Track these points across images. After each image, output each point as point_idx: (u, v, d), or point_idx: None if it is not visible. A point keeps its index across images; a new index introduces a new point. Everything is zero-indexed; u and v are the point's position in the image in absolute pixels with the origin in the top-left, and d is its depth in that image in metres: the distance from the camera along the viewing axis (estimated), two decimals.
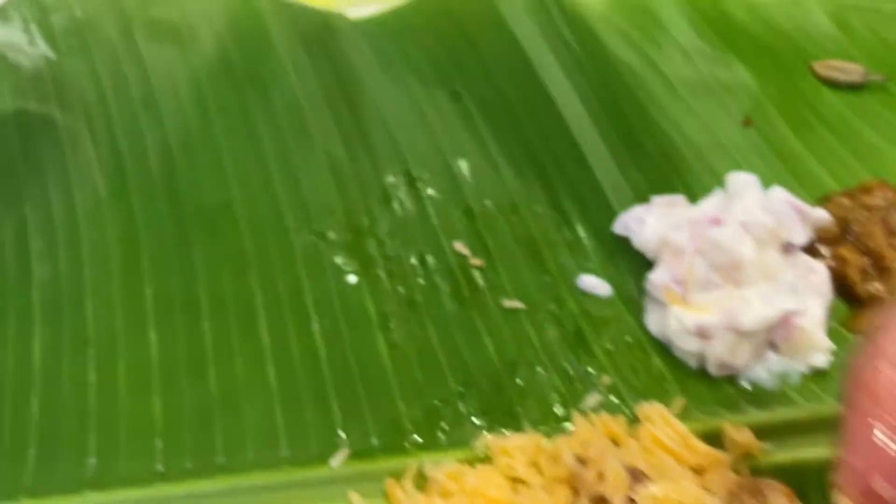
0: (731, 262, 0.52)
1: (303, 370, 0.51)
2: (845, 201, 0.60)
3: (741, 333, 0.50)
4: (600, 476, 0.40)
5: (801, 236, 0.55)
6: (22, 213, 0.57)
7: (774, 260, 0.54)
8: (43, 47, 0.65)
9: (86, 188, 0.59)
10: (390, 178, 0.63)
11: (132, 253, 0.56)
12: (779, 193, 0.57)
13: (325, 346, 0.52)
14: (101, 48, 0.66)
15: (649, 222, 0.58)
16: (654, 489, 0.39)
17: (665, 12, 0.78)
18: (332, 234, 0.58)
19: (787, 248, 0.55)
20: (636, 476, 0.40)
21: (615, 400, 0.50)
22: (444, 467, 0.44)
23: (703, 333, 0.51)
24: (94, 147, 0.61)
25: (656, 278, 0.54)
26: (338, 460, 0.46)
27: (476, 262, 0.58)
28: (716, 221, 0.54)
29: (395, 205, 0.61)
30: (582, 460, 0.43)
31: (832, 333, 0.54)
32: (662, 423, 0.46)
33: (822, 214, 0.57)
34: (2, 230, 0.56)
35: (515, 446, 0.45)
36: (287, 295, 0.55)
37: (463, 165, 0.64)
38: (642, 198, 0.60)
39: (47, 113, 0.62)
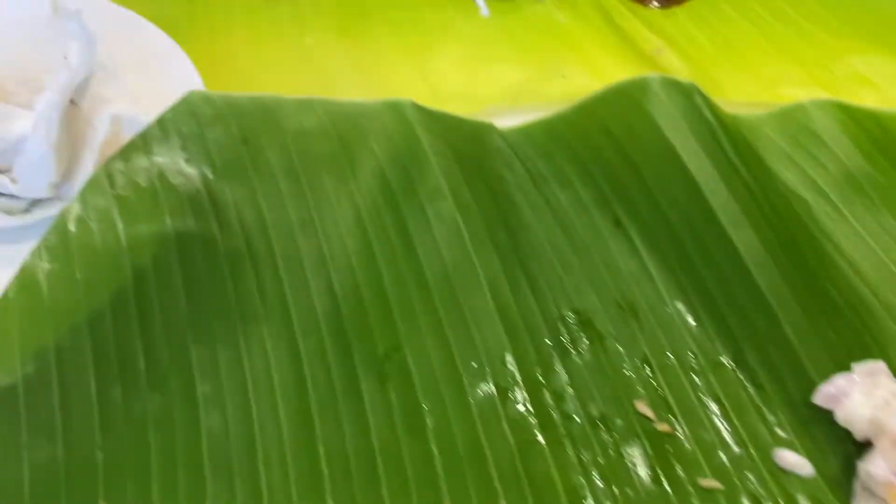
0: None
1: None
2: None
3: None
4: None
5: None
6: (187, 350, 0.55)
7: None
8: (201, 166, 0.63)
9: (249, 322, 0.57)
10: (558, 321, 0.60)
11: (301, 402, 0.53)
12: None
13: None
14: (259, 168, 0.64)
15: (854, 397, 0.53)
16: None
17: (823, 129, 0.75)
18: (507, 387, 0.55)
19: None
20: None
21: None
22: None
23: None
24: (255, 275, 0.59)
25: (875, 471, 0.50)
26: None
27: (663, 427, 0.54)
28: None
29: (567, 352, 0.58)
30: None
31: None
32: None
33: None
34: (169, 369, 0.54)
35: None
36: (469, 460, 0.52)
37: (633, 307, 0.61)
38: (838, 361, 0.56)
39: (208, 234, 0.60)
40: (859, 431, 0.52)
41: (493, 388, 0.55)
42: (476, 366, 0.56)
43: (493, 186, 0.67)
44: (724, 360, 0.58)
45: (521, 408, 0.54)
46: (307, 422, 0.53)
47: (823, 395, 0.55)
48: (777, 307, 0.60)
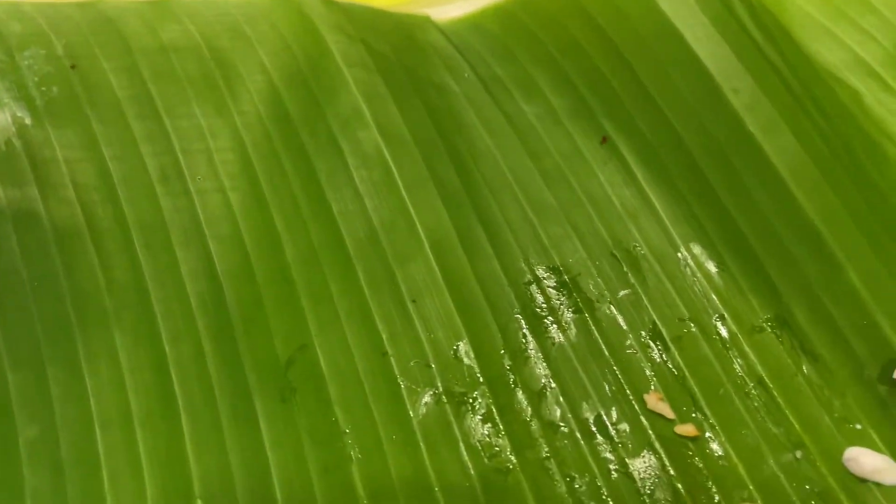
0: None
1: None
2: None
3: None
4: None
5: None
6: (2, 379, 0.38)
7: None
8: (13, 107, 0.44)
9: (92, 326, 0.40)
10: (530, 286, 0.43)
11: (171, 440, 0.37)
12: None
13: None
14: (98, 104, 0.45)
15: None
16: None
17: None
18: (463, 391, 0.39)
19: None
20: None
21: None
22: None
23: None
24: (98, 257, 0.41)
25: None
26: None
27: (686, 429, 0.39)
28: None
29: (545, 330, 0.41)
30: None
31: None
32: None
33: None
34: None
35: None
36: (407, 498, 0.36)
37: (633, 257, 0.44)
38: None
39: (25, 205, 0.42)
40: None
41: (442, 397, 0.38)
42: (417, 365, 0.39)
43: (433, 103, 0.49)
44: (765, 322, 0.42)
45: (483, 422, 0.38)
46: (179, 468, 0.36)
47: None
48: (833, 241, 0.43)
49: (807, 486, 0.37)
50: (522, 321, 0.41)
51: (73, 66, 0.46)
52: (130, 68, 0.46)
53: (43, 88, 0.45)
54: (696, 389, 0.40)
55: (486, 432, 0.38)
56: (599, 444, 0.38)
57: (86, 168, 0.43)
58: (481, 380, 0.39)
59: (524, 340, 0.41)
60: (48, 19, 0.47)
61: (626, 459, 0.37)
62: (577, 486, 0.37)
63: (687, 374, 0.40)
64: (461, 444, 0.37)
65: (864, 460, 0.37)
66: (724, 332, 0.41)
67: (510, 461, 0.37)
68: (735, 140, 0.46)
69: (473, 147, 0.48)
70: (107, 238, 0.42)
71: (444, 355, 0.40)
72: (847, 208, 0.44)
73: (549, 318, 0.42)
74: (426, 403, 0.38)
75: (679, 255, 0.44)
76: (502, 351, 0.40)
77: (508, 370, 0.40)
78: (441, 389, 0.39)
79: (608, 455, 0.37)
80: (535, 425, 0.38)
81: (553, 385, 0.40)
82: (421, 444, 0.37)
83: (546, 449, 0.37)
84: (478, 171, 0.47)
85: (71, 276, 0.40)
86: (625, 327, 0.42)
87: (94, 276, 0.40)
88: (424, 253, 0.42)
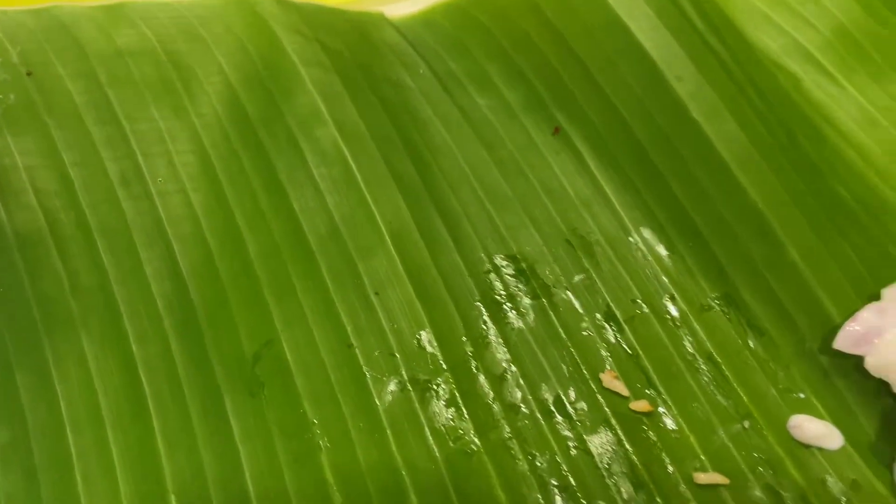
0: None
1: None
2: None
3: None
4: None
5: None
6: None
7: None
8: None
9: (58, 331, 0.40)
10: (489, 274, 0.44)
11: (143, 438, 0.38)
12: None
13: None
14: (55, 110, 0.45)
15: (890, 335, 0.40)
16: None
17: None
18: (427, 379, 0.40)
19: None
20: None
21: None
22: None
23: None
24: (62, 262, 0.42)
25: None
26: None
27: (640, 405, 0.40)
28: None
29: (504, 316, 0.43)
30: None
31: None
32: None
33: None
34: None
35: None
36: (382, 491, 0.37)
37: (586, 243, 0.46)
38: (861, 285, 0.43)
39: None
40: (880, 373, 0.39)
41: (407, 385, 0.40)
42: (382, 355, 0.41)
43: (389, 99, 0.50)
44: (713, 301, 0.44)
45: (447, 406, 0.40)
46: (152, 466, 0.37)
47: (847, 336, 0.41)
48: (775, 222, 0.45)
49: (755, 454, 0.39)
50: (483, 308, 0.43)
51: (29, 73, 0.46)
52: (87, 74, 0.47)
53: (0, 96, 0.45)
54: (649, 367, 0.41)
55: (450, 416, 0.39)
56: (558, 423, 0.39)
57: (46, 174, 0.44)
58: (444, 366, 0.40)
59: (485, 327, 0.42)
60: (1, 27, 0.47)
61: (584, 436, 0.39)
62: (538, 463, 0.38)
63: (640, 352, 0.42)
64: (426, 429, 0.39)
65: (808, 427, 0.40)
66: (674, 312, 0.43)
67: (474, 443, 0.38)
68: (680, 127, 0.48)
69: (430, 141, 0.49)
70: (70, 243, 0.42)
71: (408, 344, 0.41)
72: (788, 190, 0.46)
73: (508, 304, 0.43)
74: (391, 392, 0.39)
75: (630, 239, 0.46)
76: (464, 338, 0.42)
77: (470, 356, 0.41)
78: (406, 378, 0.40)
79: (567, 433, 0.39)
80: (496, 408, 0.40)
81: (513, 369, 0.41)
82: (387, 430, 0.38)
83: (508, 430, 0.39)
84: (435, 165, 0.48)
85: (35, 282, 0.41)
86: (580, 310, 0.43)
87: (58, 281, 0.41)
88: (385, 245, 0.44)
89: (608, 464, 0.38)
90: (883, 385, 0.39)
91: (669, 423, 0.40)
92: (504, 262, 0.45)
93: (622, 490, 0.38)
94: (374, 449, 0.38)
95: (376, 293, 0.42)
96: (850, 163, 0.48)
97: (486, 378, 0.40)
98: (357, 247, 0.43)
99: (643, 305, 0.44)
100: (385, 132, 0.48)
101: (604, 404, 0.40)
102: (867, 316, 0.41)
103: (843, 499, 0.38)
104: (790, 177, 0.46)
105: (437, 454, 0.38)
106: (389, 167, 0.47)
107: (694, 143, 0.47)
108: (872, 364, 0.40)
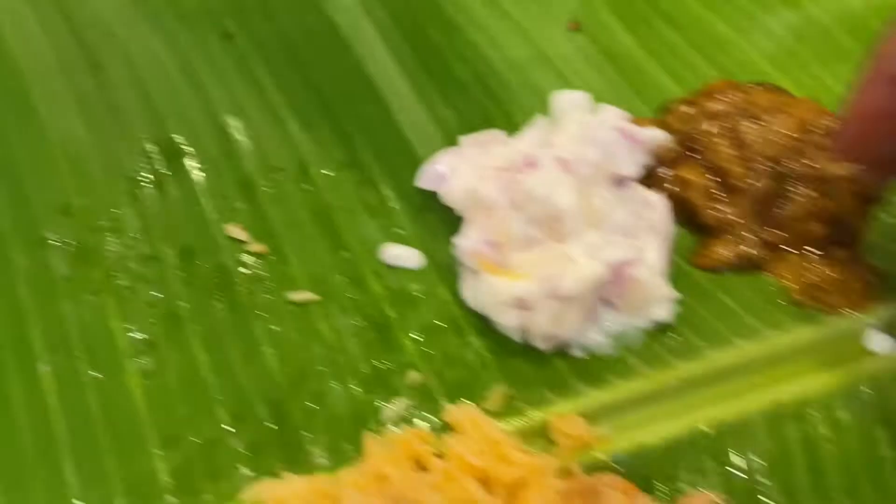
0: (550, 213, 0.43)
1: (28, 429, 0.40)
2: (688, 110, 0.50)
3: (564, 300, 0.41)
4: None
5: (633, 167, 0.46)
6: None
7: (603, 200, 0.45)
8: None
9: None
10: (143, 155, 0.50)
11: None
12: (608, 115, 0.48)
13: (58, 392, 0.41)
14: None
15: (458, 171, 0.47)
16: None
17: None
18: (64, 242, 0.46)
19: (620, 181, 0.46)
20: None
21: (426, 402, 0.41)
22: None
23: (521, 305, 0.42)
24: None
25: (465, 243, 0.44)
26: None
27: (256, 247, 0.47)
28: (530, 164, 0.45)
29: (150, 189, 0.49)
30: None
31: (679, 273, 0.46)
32: (472, 429, 0.38)
33: (656, 135, 0.47)
34: None
35: (292, 493, 0.36)
36: (4, 329, 0.43)
37: (238, 125, 0.52)
38: (454, 139, 0.50)
39: None
40: (461, 209, 0.46)
41: (43, 247, 0.46)
42: (25, 222, 0.46)
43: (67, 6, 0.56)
44: (336, 165, 0.50)
45: (81, 262, 0.45)
46: None
47: (428, 175, 0.48)
48: (388, 92, 0.52)
49: (346, 276, 0.46)
50: (129, 182, 0.49)
51: None
52: None
53: None
54: (271, 218, 0.48)
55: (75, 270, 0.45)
56: (180, 270, 0.46)
57: None
58: (87, 229, 0.46)
59: (130, 197, 0.48)
60: None
61: (201, 275, 0.45)
62: (155, 301, 0.44)
63: (269, 208, 0.48)
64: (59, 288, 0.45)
65: (394, 252, 0.47)
66: (299, 175, 0.50)
67: (101, 290, 0.45)
68: (321, 27, 0.56)
69: (110, 37, 0.55)
70: None
71: (50, 214, 0.47)
72: (403, 69, 0.54)
73: (151, 181, 0.49)
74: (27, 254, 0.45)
75: (273, 117, 0.52)
76: (109, 208, 0.48)
77: (113, 224, 0.47)
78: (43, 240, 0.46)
79: (186, 272, 0.45)
80: (128, 261, 0.46)
81: (154, 228, 0.47)
82: (23, 292, 0.44)
83: (134, 279, 0.45)
84: (113, 66, 0.54)
85: None
86: (214, 178, 0.49)
87: None
88: (51, 134, 0.50)
89: (218, 292, 0.45)
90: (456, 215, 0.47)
91: (280, 259, 0.46)
92: (153, 146, 0.51)
93: (225, 311, 0.44)
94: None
95: (31, 173, 0.48)
96: (476, 45, 0.56)
97: (120, 240, 0.47)
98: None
99: (280, 171, 0.50)
100: (64, 43, 0.54)
101: (223, 248, 0.47)
102: (444, 158, 0.48)
103: (420, 298, 0.45)
104: (409, 58, 0.54)
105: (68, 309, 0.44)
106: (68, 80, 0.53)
107: (330, 36, 0.55)
108: (445, 196, 0.47)
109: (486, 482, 0.36)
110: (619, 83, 0.54)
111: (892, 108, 0.40)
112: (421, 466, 0.37)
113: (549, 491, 0.35)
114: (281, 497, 0.36)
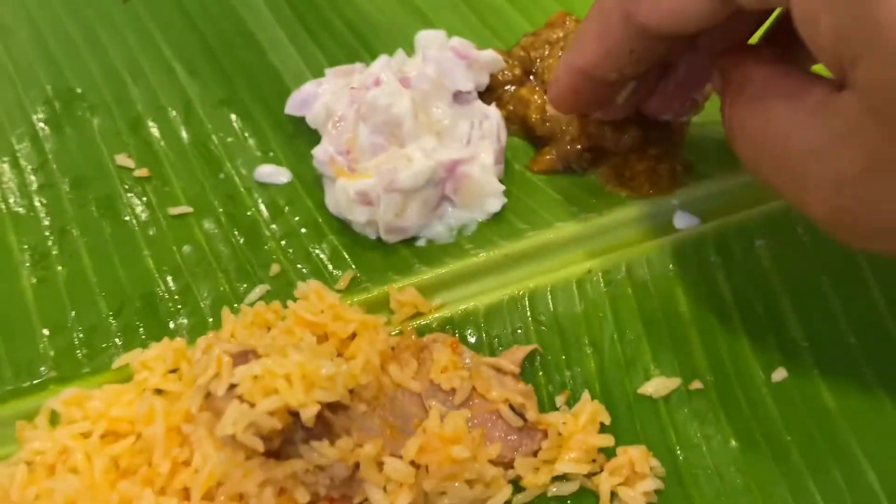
0: (391, 121, 0.49)
1: None
2: (530, 39, 0.57)
3: (403, 192, 0.47)
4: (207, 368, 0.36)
5: (467, 82, 0.52)
6: None
7: (442, 111, 0.51)
8: None
9: None
10: (44, 103, 0.56)
11: None
12: (450, 42, 0.54)
13: None
14: None
15: (319, 95, 0.53)
16: (254, 367, 0.35)
17: None
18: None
19: (461, 97, 0.52)
20: (246, 359, 0.36)
21: (283, 287, 0.47)
22: (62, 395, 0.40)
23: (366, 200, 0.47)
24: None
25: (320, 153, 0.50)
26: None
27: (141, 172, 0.52)
28: (376, 83, 0.51)
29: (49, 131, 0.54)
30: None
31: (515, 175, 0.52)
32: (315, 297, 0.43)
33: (490, 56, 0.54)
34: None
35: (155, 357, 0.41)
36: None
37: (130, 72, 0.58)
38: (322, 76, 0.56)
39: None
40: (321, 128, 0.52)
41: None
42: None
43: None
44: (217, 101, 0.56)
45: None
46: None
47: (294, 101, 0.54)
48: (263, 38, 0.59)
49: (223, 191, 0.51)
50: (33, 127, 0.54)
51: None
52: None
53: None
54: (158, 148, 0.54)
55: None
56: (73, 195, 0.51)
57: None
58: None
59: (30, 138, 0.54)
60: None
61: (90, 198, 0.51)
62: (49, 220, 0.50)
63: (157, 139, 0.54)
64: None
65: (265, 171, 0.52)
66: (183, 114, 0.56)
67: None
68: None
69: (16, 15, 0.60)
70: None
71: None
72: (276, 15, 0.60)
73: (54, 122, 0.55)
74: None
75: (168, 69, 0.58)
76: (8, 148, 0.53)
77: (12, 160, 0.53)
78: None
79: (78, 196, 0.51)
80: (27, 189, 0.51)
81: (52, 165, 0.53)
82: None
83: (32, 203, 0.50)
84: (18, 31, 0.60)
85: None
86: (116, 118, 0.55)
87: None
88: None
89: (105, 211, 0.50)
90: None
91: (162, 182, 0.52)
92: (56, 95, 0.56)
93: (110, 226, 0.50)
94: None
95: None
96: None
97: (18, 173, 0.52)
98: None
99: (170, 111, 0.56)
100: None
101: (113, 175, 0.52)
102: (308, 88, 0.54)
103: (287, 209, 0.51)
104: (281, 5, 0.60)
105: None
106: None
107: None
108: (310, 120, 0.53)
109: (323, 338, 0.42)
110: (476, 24, 0.61)
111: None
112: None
113: (378, 341, 0.41)
114: (145, 360, 0.41)
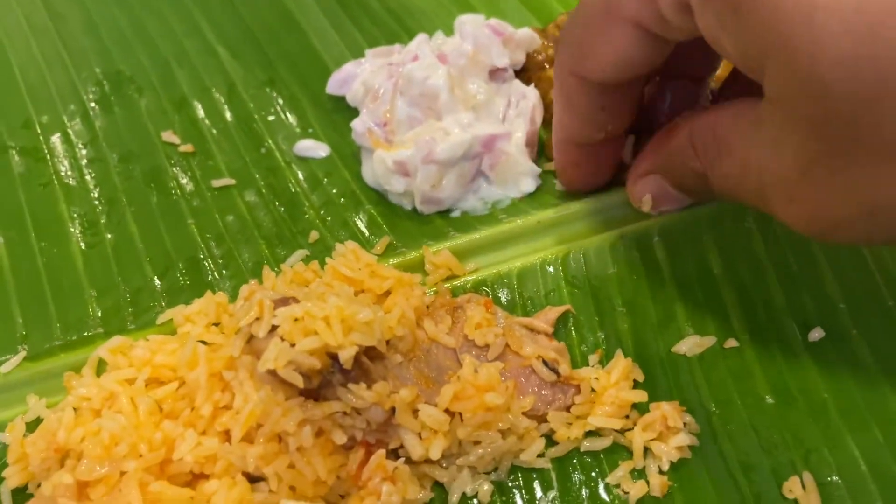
0: (427, 94, 0.50)
1: None
2: (565, 18, 0.58)
3: (439, 163, 0.48)
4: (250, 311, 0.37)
5: (503, 59, 0.53)
6: None
7: (479, 88, 0.52)
8: None
9: None
10: (95, 83, 0.58)
11: None
12: (488, 22, 0.55)
13: (10, 258, 0.48)
14: None
15: (359, 74, 0.55)
16: (295, 309, 0.36)
17: None
18: (22, 148, 0.54)
19: (498, 75, 0.54)
20: (286, 304, 0.37)
21: (322, 252, 0.48)
22: (109, 343, 0.41)
23: (403, 170, 0.49)
24: None
25: (358, 125, 0.51)
26: (10, 365, 0.43)
27: (186, 147, 0.54)
28: (414, 59, 0.52)
29: (99, 109, 0.57)
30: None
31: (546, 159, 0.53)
32: (352, 256, 0.44)
33: (527, 34, 0.55)
34: None
35: (198, 311, 0.43)
36: None
37: (176, 57, 0.60)
38: (361, 56, 0.58)
39: None
40: (354, 102, 0.54)
41: (5, 150, 0.54)
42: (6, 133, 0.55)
43: None
44: (259, 82, 0.58)
45: (37, 162, 0.53)
46: None
47: (334, 82, 0.56)
48: (305, 23, 0.61)
49: (265, 165, 0.53)
50: (85, 105, 0.57)
51: None
52: None
53: None
54: (202, 124, 0.56)
55: (38, 166, 0.53)
56: (121, 168, 0.53)
57: None
58: (42, 141, 0.54)
59: (82, 115, 0.56)
60: None
61: (143, 172, 0.53)
62: (99, 191, 0.52)
63: (201, 116, 0.56)
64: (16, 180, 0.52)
65: (304, 145, 0.54)
66: (228, 92, 0.58)
67: (53, 182, 0.52)
68: None
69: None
70: None
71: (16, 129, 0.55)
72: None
73: (104, 102, 0.57)
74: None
75: (211, 52, 0.60)
76: (64, 123, 0.56)
77: (66, 135, 0.55)
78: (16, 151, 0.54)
79: (127, 169, 0.53)
80: (78, 162, 0.53)
81: (100, 138, 0.55)
82: None
83: (83, 175, 0.53)
84: (70, 12, 0.62)
85: None
86: (162, 98, 0.57)
87: None
88: (12, 71, 0.58)
89: (152, 183, 0.52)
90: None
91: (206, 157, 0.54)
92: (105, 77, 0.59)
93: (157, 196, 0.51)
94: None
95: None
96: None
97: (71, 147, 0.54)
98: None
99: (213, 91, 0.58)
100: None
101: (159, 150, 0.54)
102: (348, 67, 0.56)
103: (326, 180, 0.52)
104: None
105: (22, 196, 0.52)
106: (26, 18, 0.61)
107: None
108: (350, 98, 0.55)
109: (360, 293, 0.43)
110: (517, 9, 0.62)
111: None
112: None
113: (413, 297, 0.42)
114: (188, 314, 0.43)
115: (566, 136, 0.44)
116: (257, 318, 0.37)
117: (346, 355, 0.35)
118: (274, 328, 0.36)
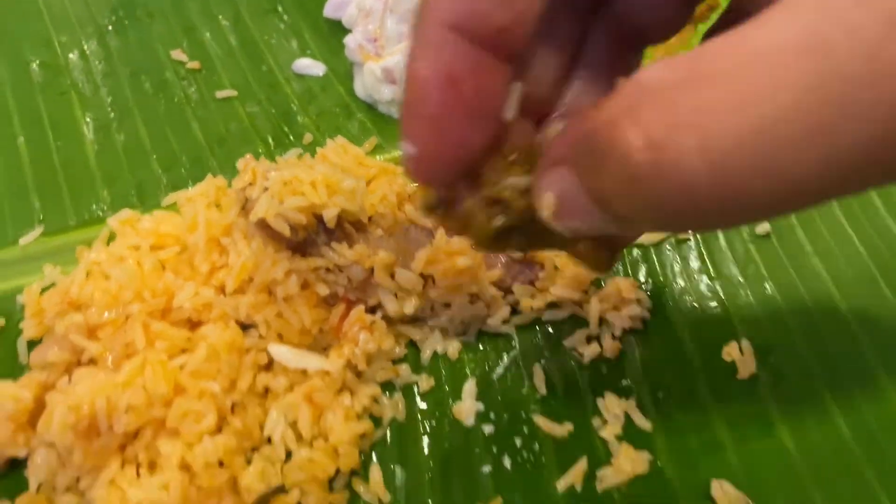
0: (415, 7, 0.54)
1: (4, 175, 0.52)
2: None
3: None
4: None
5: None
6: None
7: None
8: None
9: None
10: (109, 9, 0.63)
11: None
12: None
13: (30, 154, 0.53)
14: None
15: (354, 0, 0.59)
16: (284, 173, 0.40)
17: None
18: (42, 63, 0.59)
19: None
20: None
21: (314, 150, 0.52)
22: (119, 215, 0.46)
23: (391, 77, 0.53)
24: None
25: (350, 42, 0.55)
26: (28, 238, 0.47)
27: (193, 64, 0.59)
28: None
29: (113, 31, 0.61)
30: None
31: None
32: (341, 150, 0.48)
33: None
34: None
35: (199, 193, 0.47)
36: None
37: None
38: None
39: None
40: (349, 24, 0.58)
41: (27, 64, 0.58)
42: (12, 46, 0.59)
43: None
44: (266, 9, 0.63)
45: (57, 75, 0.58)
46: None
47: (331, 5, 0.60)
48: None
49: (265, 81, 0.57)
50: (101, 29, 0.61)
51: None
52: None
53: None
54: (209, 45, 0.60)
55: (58, 79, 0.57)
56: (133, 80, 0.58)
57: None
58: (60, 57, 0.59)
59: (98, 37, 0.61)
60: None
61: (147, 83, 0.57)
62: (111, 99, 0.56)
63: (206, 43, 0.60)
64: (35, 90, 0.57)
65: (302, 63, 0.58)
66: (232, 20, 0.62)
67: (70, 91, 0.56)
68: None
69: None
70: None
71: (39, 47, 0.59)
72: None
73: (119, 26, 0.62)
74: (36, 67, 0.58)
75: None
76: (81, 42, 0.60)
77: (83, 52, 0.59)
78: (36, 64, 0.58)
79: (137, 82, 0.57)
80: (93, 75, 0.58)
81: (114, 59, 0.59)
82: (7, 91, 0.57)
83: (97, 86, 0.57)
84: None
85: None
86: (165, 23, 0.62)
87: None
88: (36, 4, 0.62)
89: (160, 93, 0.56)
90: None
91: (211, 72, 0.58)
92: (118, 2, 0.63)
93: (165, 104, 0.56)
94: (25, 98, 0.56)
95: (20, 21, 0.61)
96: None
97: (94, 60, 0.59)
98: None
99: (214, 16, 0.62)
100: None
101: (167, 66, 0.59)
102: None
103: (321, 95, 0.56)
104: None
105: (38, 94, 0.56)
106: None
107: None
108: (345, 21, 0.59)
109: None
110: None
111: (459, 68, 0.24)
112: None
113: (395, 183, 0.46)
114: (189, 196, 0.47)
115: (446, 17, 0.24)
116: (251, 183, 0.41)
117: (330, 214, 0.39)
118: (265, 190, 0.40)
